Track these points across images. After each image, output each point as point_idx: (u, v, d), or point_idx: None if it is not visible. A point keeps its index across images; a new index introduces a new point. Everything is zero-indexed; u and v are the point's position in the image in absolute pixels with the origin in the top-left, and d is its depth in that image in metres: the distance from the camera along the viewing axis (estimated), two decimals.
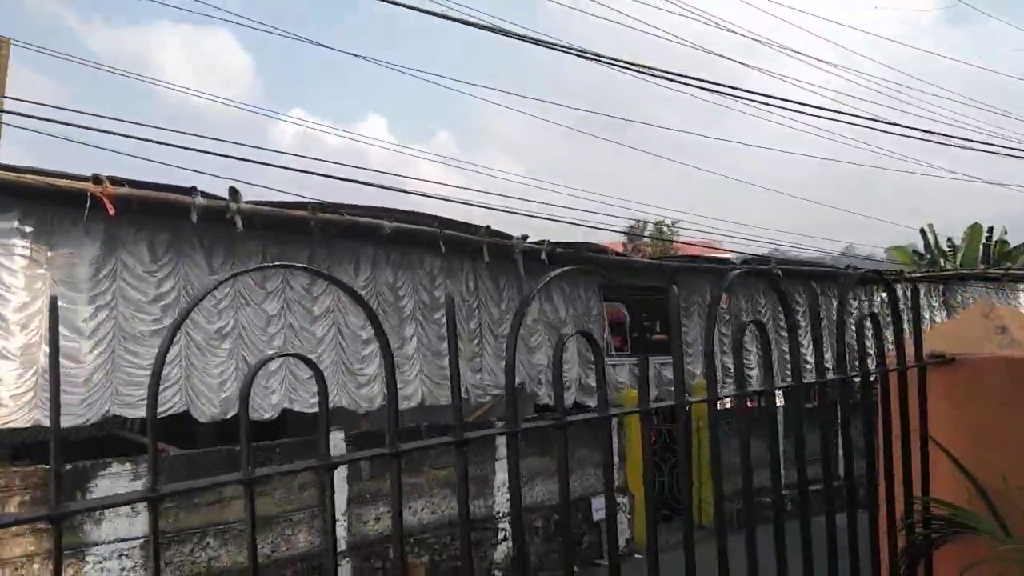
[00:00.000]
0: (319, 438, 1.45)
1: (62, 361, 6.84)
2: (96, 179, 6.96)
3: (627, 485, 10.36)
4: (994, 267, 26.26)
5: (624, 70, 10.43)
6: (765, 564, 1.89)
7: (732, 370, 13.35)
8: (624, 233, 24.93)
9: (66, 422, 6.90)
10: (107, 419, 7.21)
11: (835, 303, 14.81)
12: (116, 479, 6.78)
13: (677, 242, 23.59)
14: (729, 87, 10.43)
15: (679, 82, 10.56)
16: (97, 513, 6.68)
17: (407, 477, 8.55)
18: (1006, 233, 28.97)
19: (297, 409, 8.18)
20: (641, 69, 10.29)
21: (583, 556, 9.44)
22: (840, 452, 2.29)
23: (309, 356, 7.24)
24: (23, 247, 6.92)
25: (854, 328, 2.35)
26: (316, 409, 8.24)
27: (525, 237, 10.10)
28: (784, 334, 14.17)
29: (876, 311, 13.00)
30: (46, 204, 7.03)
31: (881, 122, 11.64)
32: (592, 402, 10.73)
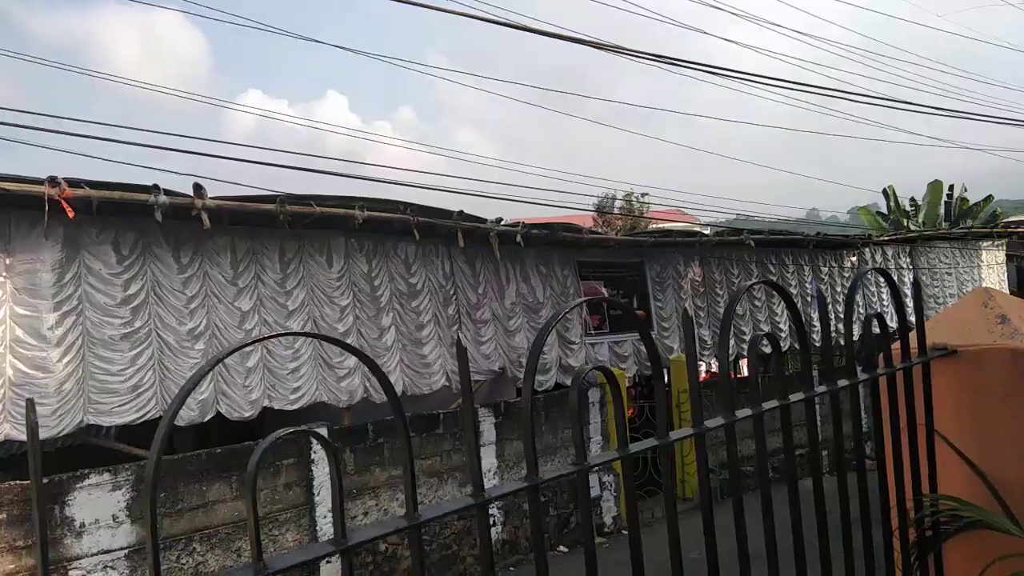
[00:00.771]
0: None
1: (30, 372, 6.62)
2: (53, 181, 6.67)
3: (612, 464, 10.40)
4: (955, 224, 26.82)
5: (588, 46, 10.26)
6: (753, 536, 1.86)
7: (708, 342, 13.46)
8: (595, 210, 24.91)
9: (39, 434, 6.67)
10: (81, 429, 6.99)
11: (807, 270, 14.95)
12: (95, 490, 6.60)
13: (646, 216, 23.65)
14: (690, 63, 10.29)
15: (644, 58, 10.42)
16: (78, 525, 6.51)
17: (392, 469, 8.49)
18: (966, 190, 29.54)
19: (277, 407, 8.03)
20: (604, 47, 10.13)
21: (573, 536, 9.50)
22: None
23: (285, 351, 7.02)
24: None
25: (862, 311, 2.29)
26: (296, 406, 8.12)
27: (499, 220, 9.98)
28: (757, 303, 14.30)
29: (848, 275, 13.05)
30: (1, 210, 6.73)
31: (838, 92, 11.63)
32: (570, 381, 10.73)
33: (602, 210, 26.21)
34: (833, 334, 13.83)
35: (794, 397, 2.06)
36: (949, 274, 18.73)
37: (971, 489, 2.62)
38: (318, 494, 7.91)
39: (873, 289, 16.53)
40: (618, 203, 27.42)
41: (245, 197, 8.01)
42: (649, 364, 12.14)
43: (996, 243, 20.50)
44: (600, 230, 18.59)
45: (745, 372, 15.75)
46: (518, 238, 9.94)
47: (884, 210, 30.24)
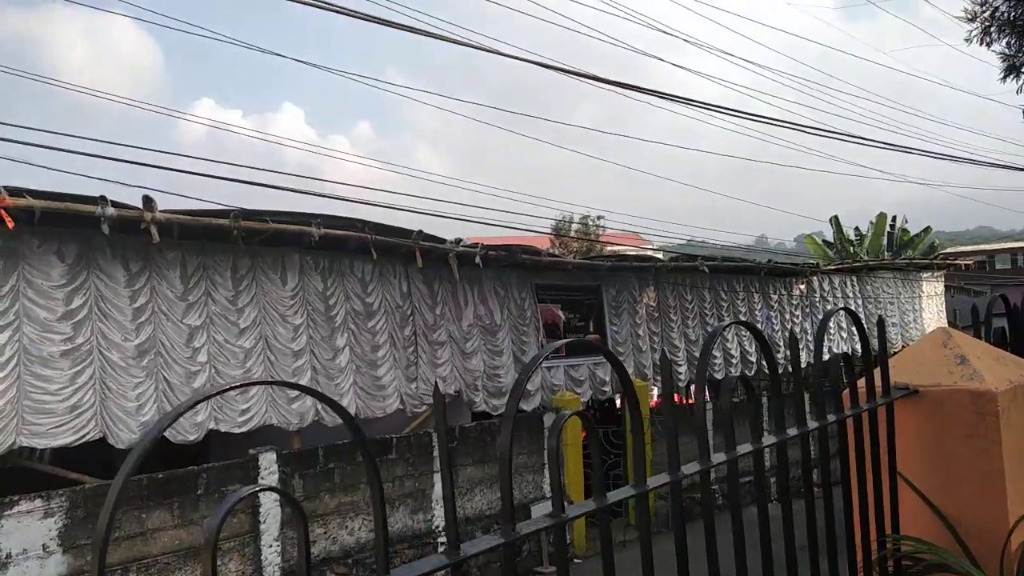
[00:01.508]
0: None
1: None
2: None
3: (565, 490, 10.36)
4: (897, 254, 27.78)
5: (542, 67, 10.30)
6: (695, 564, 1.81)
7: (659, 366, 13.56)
8: (552, 232, 25.03)
9: None
10: (13, 451, 6.63)
11: (758, 297, 15.22)
12: (25, 518, 6.25)
13: (602, 240, 23.86)
14: (644, 89, 10.42)
15: (595, 81, 10.50)
16: (4, 555, 6.14)
17: (343, 495, 8.27)
18: (906, 221, 30.69)
19: (224, 430, 7.76)
20: (558, 68, 10.18)
21: (523, 565, 9.38)
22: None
23: (235, 371, 6.79)
24: None
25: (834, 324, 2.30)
26: (243, 429, 7.87)
27: (459, 240, 9.92)
28: (709, 329, 14.48)
29: (796, 303, 13.31)
30: None
31: (784, 122, 11.94)
32: (528, 407, 10.67)
33: (559, 232, 26.37)
34: (782, 361, 14.09)
35: (742, 448, 2.02)
36: (892, 303, 19.34)
37: (934, 530, 2.64)
38: (264, 522, 7.64)
39: (821, 316, 16.93)
40: (575, 226, 27.64)
41: (197, 211, 7.78)
42: (605, 390, 12.17)
43: (935, 274, 21.26)
44: (557, 252, 18.67)
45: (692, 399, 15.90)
46: (477, 259, 9.88)
47: (829, 238, 31.15)
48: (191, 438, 7.54)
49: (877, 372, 2.68)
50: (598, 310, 12.49)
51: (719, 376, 14.01)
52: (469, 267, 10.02)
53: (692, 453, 1.85)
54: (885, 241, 30.18)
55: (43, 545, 6.33)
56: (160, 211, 7.31)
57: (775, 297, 16.05)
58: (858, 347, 15.19)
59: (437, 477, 8.95)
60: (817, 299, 17.07)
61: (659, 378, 13.56)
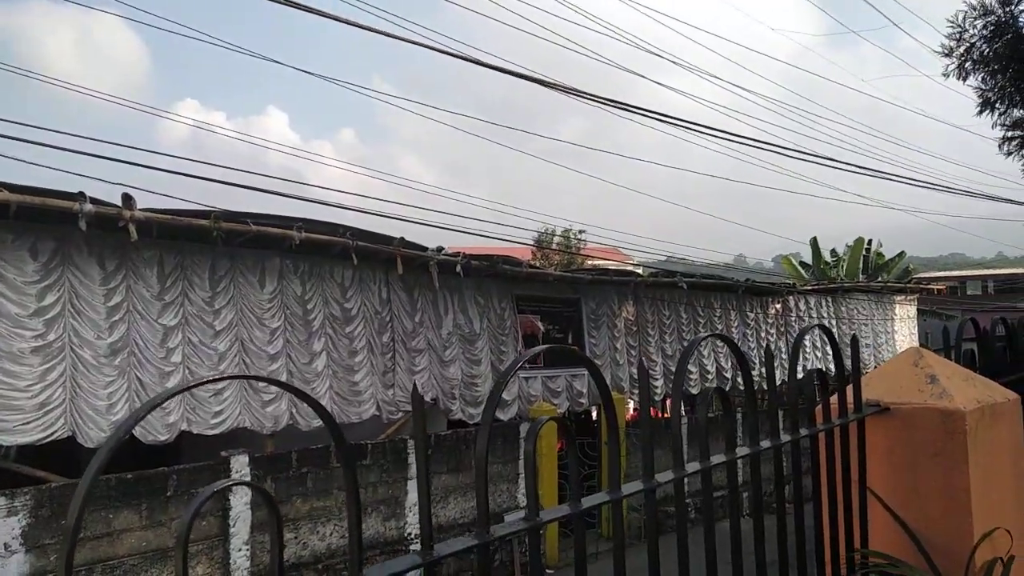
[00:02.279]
0: None
1: None
2: None
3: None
4: (872, 277, 28.21)
5: (533, 82, 10.38)
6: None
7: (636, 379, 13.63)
8: (534, 244, 25.12)
9: None
10: None
11: (734, 315, 15.37)
12: None
13: (583, 253, 23.98)
14: (633, 107, 10.53)
15: (584, 97, 10.60)
16: None
17: (315, 500, 8.20)
18: (881, 245, 31.21)
19: (196, 431, 7.67)
20: (550, 85, 10.26)
21: (498, 572, 9.33)
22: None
23: (209, 372, 6.80)
24: None
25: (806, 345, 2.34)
26: (216, 431, 7.78)
27: (440, 249, 9.92)
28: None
29: (771, 321, 13.45)
30: None
31: (765, 144, 12.12)
32: (504, 416, 10.66)
33: (541, 244, 26.45)
34: (757, 378, 14.22)
35: (716, 459, 2.05)
36: (866, 325, 19.61)
37: (901, 545, 2.68)
38: (234, 525, 7.55)
39: (795, 334, 17.10)
40: (556, 239, 27.75)
41: (177, 211, 7.71)
42: (582, 401, 12.20)
43: (908, 298, 21.61)
44: (538, 264, 18.73)
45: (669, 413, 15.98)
46: (458, 268, 9.88)
47: (806, 259, 31.57)
48: (162, 438, 7.44)
49: (849, 389, 2.73)
50: (577, 322, 12.53)
51: (695, 391, 14.10)
52: (450, 276, 10.02)
53: (667, 467, 1.87)
54: (861, 264, 30.66)
55: (5, 544, 6.20)
56: (139, 209, 7.24)
57: (751, 315, 16.22)
58: (831, 366, 15.36)
59: (411, 484, 8.91)
60: (793, 319, 17.28)
61: (636, 391, 13.62)
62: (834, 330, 17.67)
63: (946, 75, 7.46)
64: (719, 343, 14.89)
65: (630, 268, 20.44)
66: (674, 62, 13.63)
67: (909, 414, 2.80)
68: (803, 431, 2.43)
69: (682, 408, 2.27)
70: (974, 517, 2.70)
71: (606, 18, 12.73)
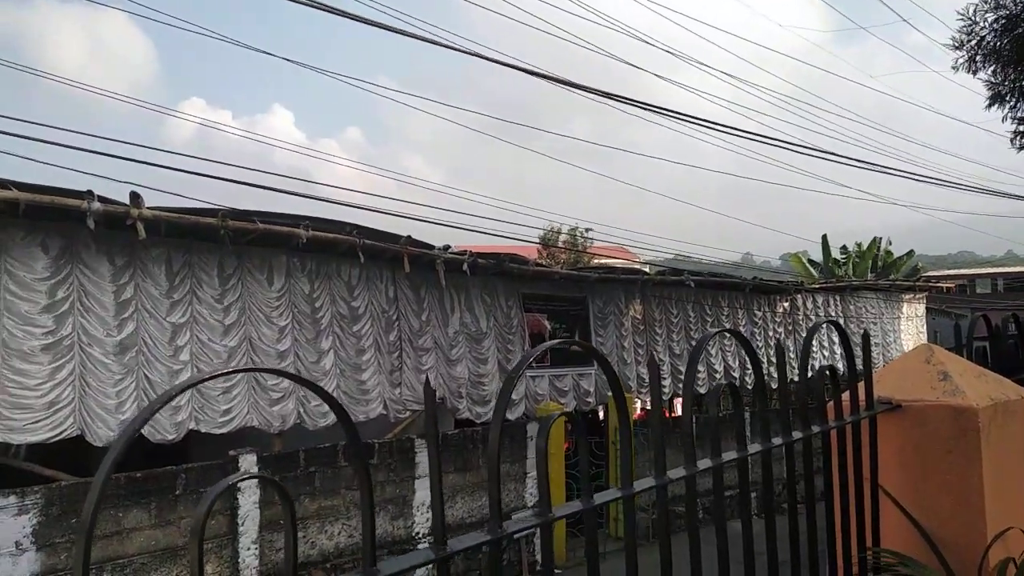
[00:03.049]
0: None
1: None
2: None
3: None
4: (881, 276, 28.06)
5: (543, 79, 10.36)
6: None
7: (645, 379, 13.59)
8: (540, 242, 25.09)
9: None
10: None
11: (742, 313, 15.32)
12: None
13: (589, 251, 23.94)
14: (642, 103, 10.50)
15: (596, 94, 10.57)
16: None
17: (323, 499, 8.21)
18: (890, 244, 31.04)
19: (204, 430, 7.69)
20: (559, 82, 10.24)
21: (508, 572, 9.32)
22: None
23: (217, 371, 6.84)
24: None
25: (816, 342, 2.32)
26: (224, 430, 7.80)
27: (447, 247, 9.91)
28: (694, 342, 14.55)
29: (779, 320, 13.38)
30: None
31: (773, 140, 12.07)
32: (511, 415, 10.65)
33: (547, 243, 26.42)
34: (766, 376, 14.18)
35: (728, 455, 2.04)
36: (874, 323, 19.51)
37: (913, 543, 2.66)
38: (242, 524, 7.56)
39: (803, 334, 17.04)
40: (563, 237, 27.71)
41: (185, 209, 7.73)
42: (589, 400, 12.18)
43: (917, 296, 21.49)
44: (545, 263, 18.71)
45: (679, 411, 15.96)
46: (465, 266, 9.88)
47: (814, 257, 31.42)
48: (170, 437, 7.46)
49: (861, 386, 2.71)
50: (584, 321, 12.51)
51: (702, 390, 14.05)
52: (456, 274, 10.02)
53: (676, 465, 1.86)
54: (870, 262, 30.49)
55: (16, 543, 6.23)
56: (147, 208, 7.26)
57: (759, 314, 16.16)
58: (840, 365, 15.28)
59: (418, 484, 8.90)
60: (800, 317, 17.21)
61: (644, 391, 13.59)
62: None
63: (956, 68, 7.41)
64: (727, 342, 14.84)
65: (637, 267, 20.40)
66: (683, 59, 13.58)
67: (921, 411, 2.78)
68: (815, 428, 2.42)
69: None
70: (987, 516, 2.67)
71: (615, 16, 12.70)
